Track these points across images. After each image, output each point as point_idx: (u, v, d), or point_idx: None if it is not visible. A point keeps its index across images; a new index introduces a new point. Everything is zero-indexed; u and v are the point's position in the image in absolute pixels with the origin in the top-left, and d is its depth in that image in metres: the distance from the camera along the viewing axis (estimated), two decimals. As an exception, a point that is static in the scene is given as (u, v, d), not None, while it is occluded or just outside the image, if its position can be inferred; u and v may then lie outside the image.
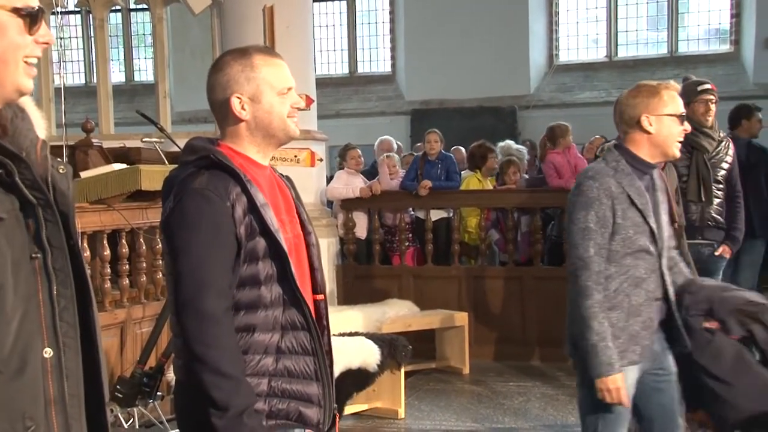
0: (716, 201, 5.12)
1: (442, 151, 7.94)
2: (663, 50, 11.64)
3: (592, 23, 11.98)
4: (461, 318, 6.84)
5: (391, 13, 12.48)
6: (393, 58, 12.52)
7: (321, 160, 7.34)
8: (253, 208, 2.15)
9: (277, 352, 2.20)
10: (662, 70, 11.38)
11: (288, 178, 2.43)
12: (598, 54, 11.91)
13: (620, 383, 3.02)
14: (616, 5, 11.78)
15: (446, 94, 11.58)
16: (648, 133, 3.13)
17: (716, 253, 5.08)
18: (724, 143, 5.16)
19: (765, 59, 10.61)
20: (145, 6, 9.66)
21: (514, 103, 11.32)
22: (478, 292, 7.27)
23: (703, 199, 5.06)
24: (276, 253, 2.17)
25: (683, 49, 11.57)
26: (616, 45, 11.83)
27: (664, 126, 3.13)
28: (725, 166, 5.16)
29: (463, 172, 8.13)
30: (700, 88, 5.11)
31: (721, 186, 5.14)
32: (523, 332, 7.07)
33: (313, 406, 2.23)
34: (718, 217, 5.12)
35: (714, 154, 5.10)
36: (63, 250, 1.60)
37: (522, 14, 11.55)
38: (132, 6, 12.37)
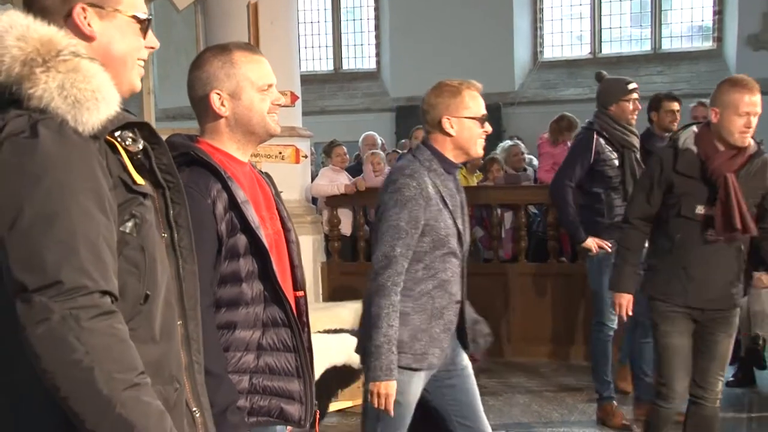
0: None
1: (427, 148, 7.97)
2: (646, 47, 11.70)
3: (576, 20, 12.02)
4: (446, 314, 6.86)
5: (376, 9, 12.48)
6: (378, 54, 12.53)
7: (306, 156, 7.33)
8: (233, 204, 2.15)
9: (258, 349, 2.20)
10: (645, 66, 11.45)
11: (267, 175, 2.43)
12: (582, 51, 11.95)
13: (392, 391, 2.92)
14: (600, 2, 11.82)
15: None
16: (449, 135, 3.09)
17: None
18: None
19: (747, 56, 10.68)
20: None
21: (498, 99, 11.35)
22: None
23: None
24: (257, 249, 2.17)
25: (666, 46, 11.62)
26: (600, 42, 11.88)
27: (465, 128, 3.10)
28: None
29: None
30: (630, 86, 5.22)
31: None
32: (507, 329, 7.10)
33: (295, 402, 2.24)
34: None
35: (638, 152, 5.28)
36: (188, 230, 1.74)
37: (506, 11, 11.58)
38: (115, 2, 12.34)
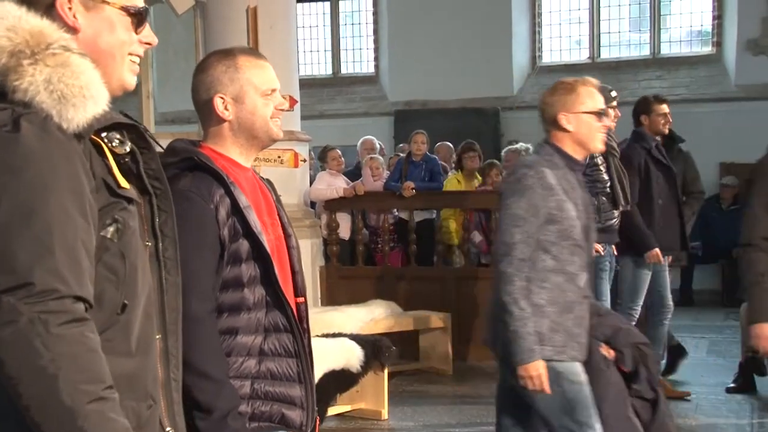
0: None
1: (427, 152, 7.96)
2: (645, 52, 11.69)
3: (575, 25, 12.00)
4: (444, 319, 6.84)
5: (375, 14, 12.47)
6: (376, 59, 12.51)
7: (304, 161, 7.32)
8: (236, 210, 2.15)
9: (260, 354, 2.19)
10: (644, 71, 11.44)
11: (269, 181, 2.42)
12: (581, 55, 11.94)
13: (542, 370, 2.98)
14: (599, 7, 11.81)
15: (429, 95, 11.59)
16: (567, 131, 3.13)
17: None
18: None
19: (747, 61, 10.68)
20: None
21: (497, 104, 11.34)
22: (461, 293, 7.27)
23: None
24: (259, 255, 2.17)
25: (665, 50, 11.61)
26: (599, 46, 11.87)
27: (583, 123, 3.13)
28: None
29: (450, 172, 8.18)
30: (613, 94, 5.23)
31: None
32: (506, 333, 7.07)
33: (296, 408, 2.23)
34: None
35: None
36: (174, 240, 1.67)
37: (505, 16, 11.57)
38: (114, 6, 12.32)
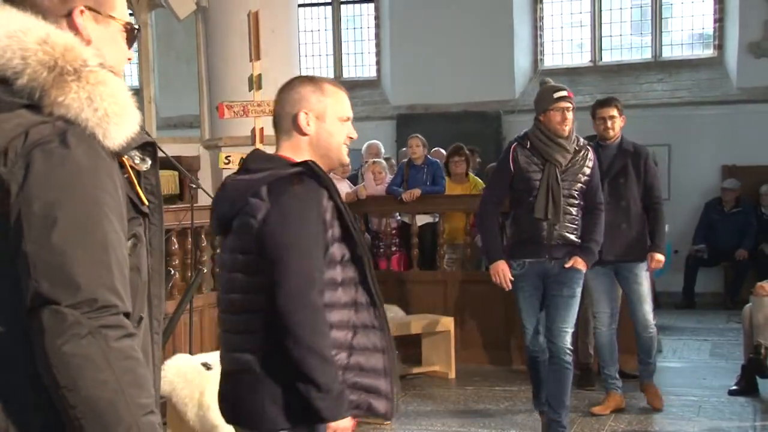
0: (568, 218, 4.73)
1: (428, 156, 7.96)
2: (647, 55, 11.68)
3: (577, 28, 12.00)
4: (447, 323, 6.84)
5: (377, 18, 12.48)
6: (378, 63, 12.52)
7: (306, 165, 7.33)
8: (339, 215, 2.38)
9: (349, 349, 2.39)
10: (646, 74, 11.44)
11: None
12: (583, 59, 11.94)
13: None
14: (600, 10, 11.81)
15: (431, 98, 11.59)
16: None
17: (566, 266, 4.72)
18: (582, 153, 4.80)
19: (748, 64, 10.67)
20: (129, 11, 9.63)
21: (499, 107, 11.34)
22: (464, 297, 7.27)
23: (550, 216, 4.66)
24: (355, 258, 2.40)
25: (667, 53, 11.61)
26: (601, 50, 11.86)
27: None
28: (582, 178, 4.78)
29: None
30: (556, 95, 4.78)
31: (576, 201, 4.76)
32: (508, 337, 7.07)
33: (382, 398, 2.45)
34: (570, 236, 4.74)
35: (569, 166, 4.74)
36: (162, 253, 1.70)
37: (506, 19, 11.57)
38: (116, 11, 12.32)
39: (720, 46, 11.16)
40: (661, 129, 10.56)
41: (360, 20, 12.81)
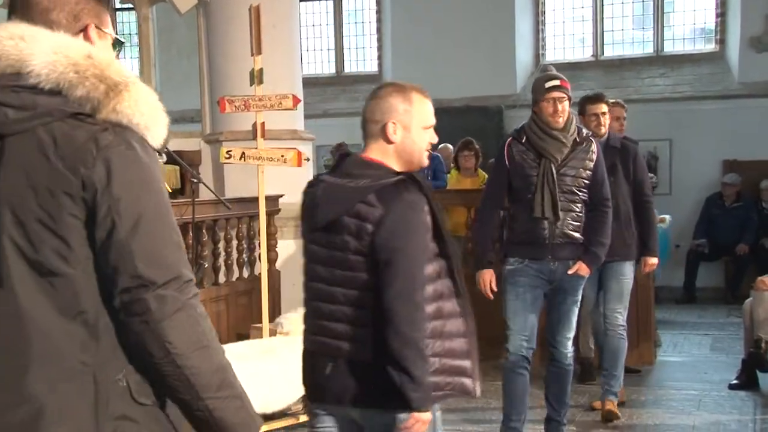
0: (571, 215, 4.44)
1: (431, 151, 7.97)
2: (649, 50, 11.67)
3: (578, 23, 12.00)
4: (448, 317, 6.84)
5: (378, 12, 12.47)
6: (380, 57, 12.51)
7: (308, 159, 7.32)
8: (434, 216, 2.63)
9: (441, 336, 2.65)
10: (648, 69, 11.43)
11: None
12: (585, 53, 11.93)
13: None
14: (602, 5, 11.79)
15: (433, 93, 11.26)
16: None
17: (569, 272, 4.46)
18: (583, 146, 4.46)
19: (750, 58, 10.66)
20: (130, 5, 9.62)
21: (500, 102, 11.34)
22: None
23: (548, 215, 4.37)
24: (444, 253, 2.66)
25: (669, 48, 11.60)
26: (602, 44, 11.85)
27: None
28: (584, 173, 4.46)
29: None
30: (547, 84, 4.47)
31: (578, 197, 4.45)
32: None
33: (469, 378, 2.73)
34: (574, 233, 4.45)
35: (568, 160, 4.43)
36: None
37: (508, 14, 11.56)
38: (117, 5, 12.30)
39: (721, 41, 11.15)
40: (662, 123, 10.56)
41: (361, 14, 12.81)
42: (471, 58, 11.35)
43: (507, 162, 4.59)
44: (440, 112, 10.32)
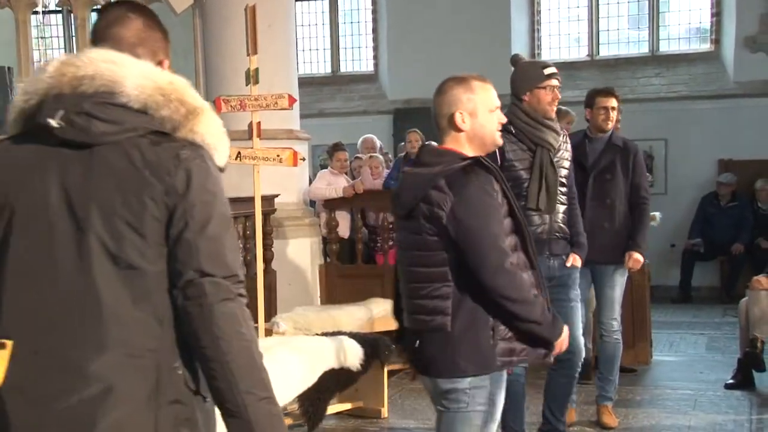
0: (561, 207, 4.32)
1: (425, 150, 7.96)
2: (644, 49, 11.68)
3: (574, 22, 12.00)
4: (444, 317, 6.84)
5: (374, 12, 12.46)
6: (376, 57, 12.51)
7: (303, 159, 7.31)
8: (505, 195, 2.89)
9: None
10: (643, 68, 11.44)
11: None
12: (580, 53, 11.94)
13: None
14: (598, 4, 11.80)
15: (429, 93, 11.27)
16: None
17: (567, 264, 4.37)
18: (562, 137, 4.38)
19: (745, 58, 10.68)
20: (126, 5, 9.61)
21: (496, 102, 11.34)
22: (461, 291, 7.26)
23: (542, 206, 4.19)
24: (517, 228, 2.92)
25: (664, 48, 11.61)
26: (598, 44, 11.86)
27: None
28: (566, 164, 4.37)
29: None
30: (546, 71, 4.30)
31: (564, 189, 4.33)
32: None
33: (541, 347, 2.98)
34: (564, 226, 4.35)
35: (558, 150, 4.31)
36: None
37: (504, 13, 11.57)
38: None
39: (717, 41, 11.17)
40: (658, 123, 10.57)
41: (357, 14, 12.81)
42: (466, 58, 11.32)
43: (498, 157, 4.19)
44: (436, 111, 9.98)
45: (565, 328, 3.01)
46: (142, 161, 1.83)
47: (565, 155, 4.38)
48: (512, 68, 4.47)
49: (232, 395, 1.82)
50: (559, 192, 4.28)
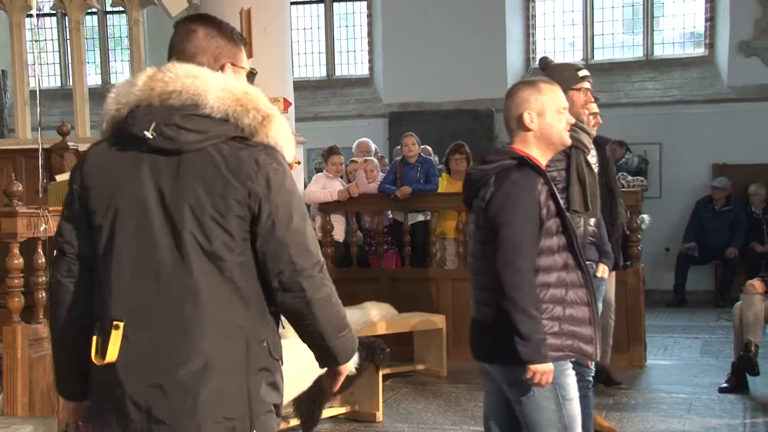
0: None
1: (422, 154, 7.97)
2: (639, 53, 11.71)
3: (569, 26, 12.02)
4: (439, 320, 6.85)
5: (369, 16, 12.47)
6: (371, 61, 12.51)
7: (299, 162, 7.33)
8: (552, 196, 2.95)
9: (563, 303, 2.97)
10: (638, 73, 11.47)
11: None
12: (575, 57, 11.96)
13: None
14: (593, 9, 11.83)
15: (424, 96, 11.60)
16: None
17: (598, 275, 4.16)
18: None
19: (739, 63, 10.71)
20: (121, 9, 9.61)
21: (491, 105, 11.34)
22: (455, 295, 7.28)
23: (589, 208, 4.00)
24: (564, 229, 2.98)
25: (659, 52, 11.64)
26: (593, 48, 11.89)
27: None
28: (595, 168, 4.23)
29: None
30: (580, 73, 4.29)
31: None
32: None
33: (590, 344, 3.03)
34: (597, 231, 4.18)
35: (590, 152, 4.15)
36: None
37: (499, 17, 11.59)
38: (108, 8, 12.30)
39: (711, 45, 11.21)
40: (652, 127, 10.60)
41: (352, 18, 12.81)
42: (461, 62, 11.37)
43: None
44: (430, 115, 10.39)
45: (549, 364, 2.89)
46: (226, 167, 2.11)
47: (594, 158, 4.24)
48: (542, 71, 4.36)
49: (326, 345, 2.24)
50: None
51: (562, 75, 4.23)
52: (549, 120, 3.04)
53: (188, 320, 2.11)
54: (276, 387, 2.23)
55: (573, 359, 3.06)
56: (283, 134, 2.20)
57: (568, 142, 3.12)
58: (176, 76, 2.16)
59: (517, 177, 2.95)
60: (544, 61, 4.54)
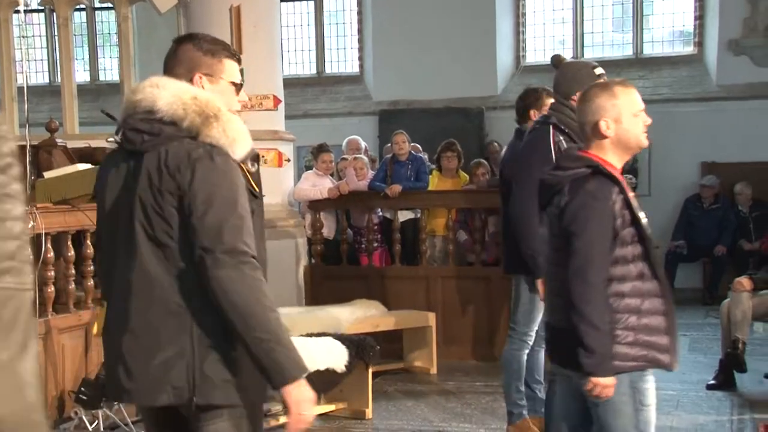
0: None
1: (412, 152, 7.97)
2: (628, 52, 11.73)
3: (558, 24, 12.04)
4: (429, 318, 6.86)
5: (359, 13, 12.46)
6: (361, 58, 12.50)
7: (288, 160, 7.32)
8: (627, 205, 2.92)
9: (638, 312, 2.94)
10: (627, 71, 11.49)
11: None
12: (564, 55, 11.93)
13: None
14: (582, 7, 11.85)
15: (414, 94, 11.59)
16: None
17: None
18: None
19: (728, 61, 10.75)
20: (110, 5, 9.57)
21: (481, 103, 11.36)
22: (445, 293, 7.29)
23: None
24: (641, 238, 2.95)
25: (648, 50, 11.66)
26: (582, 46, 11.90)
27: None
28: None
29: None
30: (597, 71, 4.24)
31: None
32: (490, 332, 7.11)
33: (666, 353, 3.01)
34: None
35: None
36: (262, 219, 2.64)
37: (489, 15, 11.59)
38: (97, 5, 12.23)
39: (700, 44, 11.24)
40: (641, 125, 10.62)
41: (342, 15, 12.79)
42: (451, 60, 11.37)
43: (553, 150, 4.25)
44: (420, 113, 10.39)
45: (611, 378, 2.92)
46: (165, 162, 2.39)
47: None
48: (555, 69, 4.50)
49: (247, 345, 2.36)
50: None
51: (580, 73, 4.31)
52: (626, 125, 3.00)
53: (140, 301, 2.43)
54: (230, 363, 2.43)
55: (648, 368, 3.05)
56: (228, 133, 2.42)
57: (645, 144, 3.07)
58: (143, 86, 2.50)
59: (591, 187, 2.92)
60: (557, 58, 4.66)
